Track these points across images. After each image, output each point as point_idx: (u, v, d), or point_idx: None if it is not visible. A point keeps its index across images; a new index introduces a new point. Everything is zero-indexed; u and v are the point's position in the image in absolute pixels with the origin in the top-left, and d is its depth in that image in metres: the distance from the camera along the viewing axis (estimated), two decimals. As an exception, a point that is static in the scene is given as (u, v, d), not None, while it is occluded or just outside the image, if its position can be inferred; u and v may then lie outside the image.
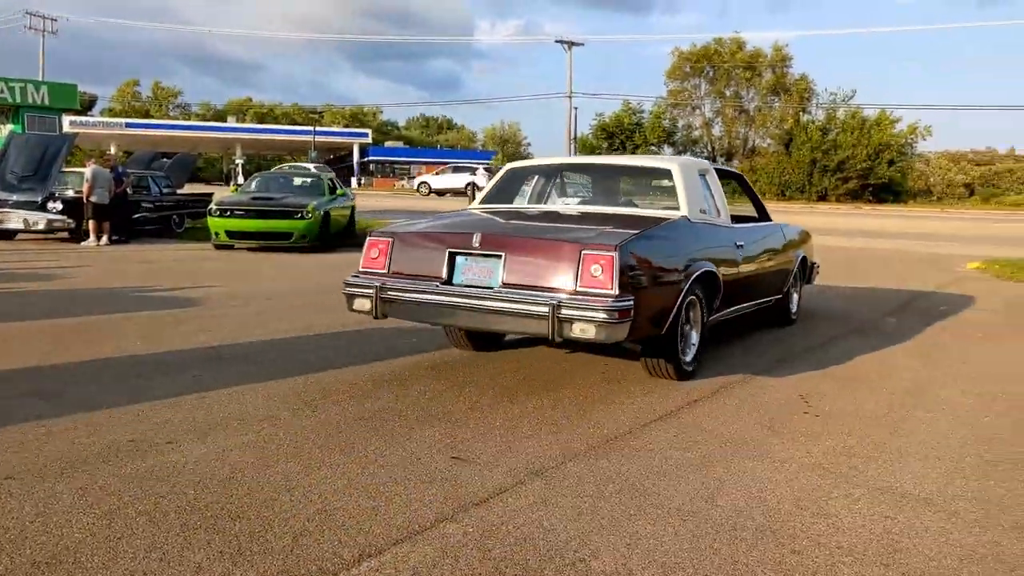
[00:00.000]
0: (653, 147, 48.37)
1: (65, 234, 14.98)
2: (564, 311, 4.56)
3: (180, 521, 3.10)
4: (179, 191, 18.83)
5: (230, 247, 14.10)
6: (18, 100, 19.46)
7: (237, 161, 46.74)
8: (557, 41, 52.69)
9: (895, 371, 6.06)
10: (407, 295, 5.08)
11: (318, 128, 53.54)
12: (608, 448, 4.11)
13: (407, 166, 65.07)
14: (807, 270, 8.15)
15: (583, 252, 4.71)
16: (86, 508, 3.18)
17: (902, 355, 6.65)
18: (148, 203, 16.82)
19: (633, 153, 46.94)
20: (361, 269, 5.39)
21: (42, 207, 14.76)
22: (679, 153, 52.11)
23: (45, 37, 50.41)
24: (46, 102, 20.10)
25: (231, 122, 64.66)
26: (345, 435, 4.17)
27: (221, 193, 20.30)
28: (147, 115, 69.76)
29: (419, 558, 2.87)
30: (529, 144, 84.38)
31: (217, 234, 13.90)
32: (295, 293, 9.16)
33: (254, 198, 14.46)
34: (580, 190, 7.08)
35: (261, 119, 72.99)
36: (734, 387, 5.42)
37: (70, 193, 15.25)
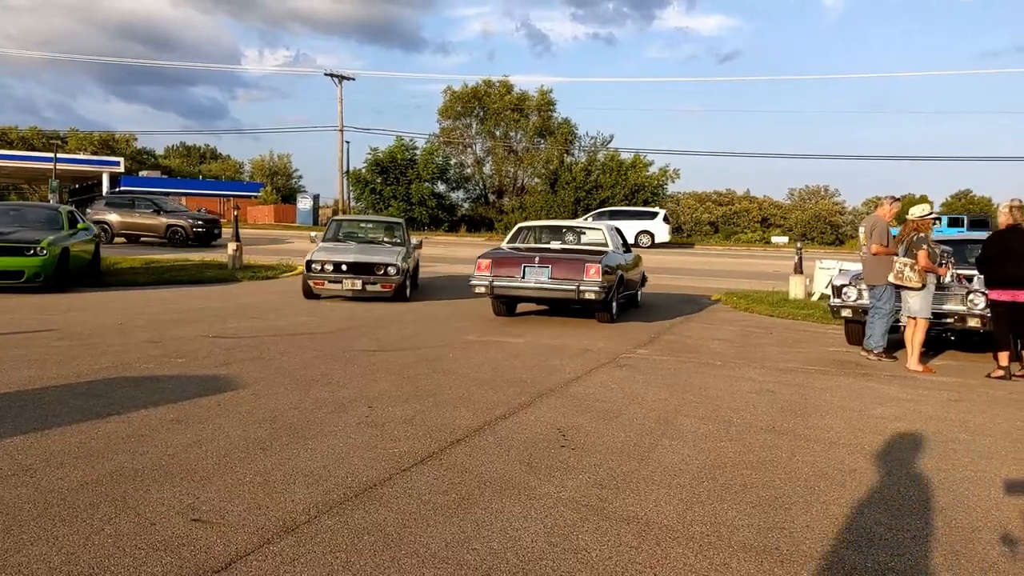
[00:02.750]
0: (427, 183, 48.75)
1: None
2: (580, 288, 10.32)
3: None
4: None
5: (-55, 288, 12.35)
6: None
7: None
8: (327, 75, 52.07)
9: (645, 402, 6.44)
10: (503, 283, 10.69)
11: (61, 155, 48.69)
12: (367, 497, 3.98)
13: (165, 197, 60.98)
14: (644, 279, 14.12)
15: (585, 264, 10.53)
16: None
17: (652, 386, 7.10)
18: None
19: (407, 187, 47.27)
20: (477, 273, 10.82)
21: None
22: (452, 189, 53.17)
23: None
24: None
25: (-48, 145, 57.31)
26: (68, 503, 3.71)
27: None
28: None
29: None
30: (300, 177, 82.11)
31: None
32: (22, 341, 8.10)
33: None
34: (554, 239, 12.56)
35: (-10, 144, 65.34)
36: (496, 424, 5.49)
37: None
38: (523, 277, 10.60)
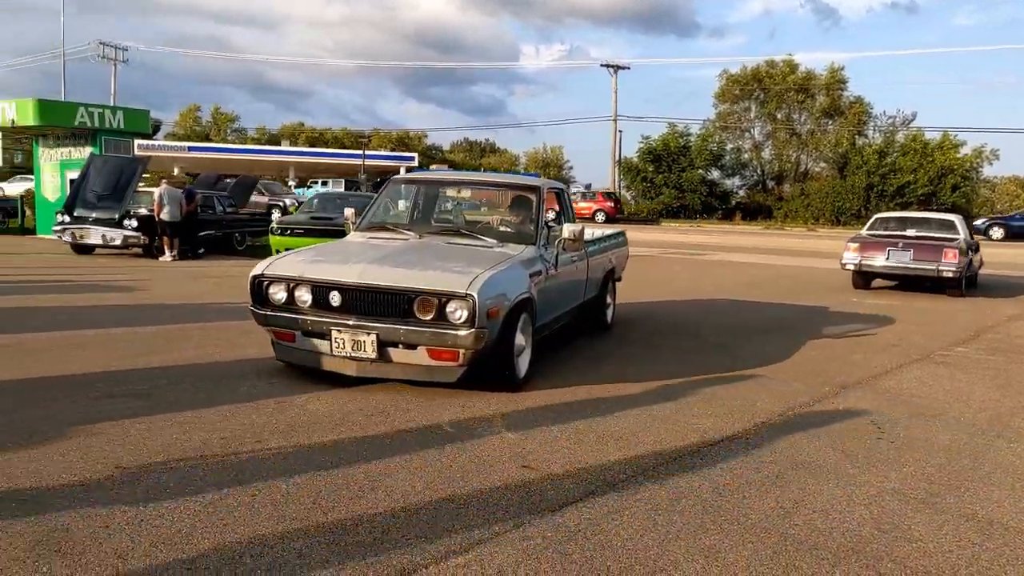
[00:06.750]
0: (700, 170, 47.48)
1: (139, 249, 15.57)
2: (939, 268, 12.34)
3: (267, 515, 3.18)
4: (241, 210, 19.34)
5: (290, 264, 14.36)
6: (96, 124, 19.97)
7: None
8: (603, 65, 52.82)
9: (971, 401, 5.90)
10: (869, 262, 12.86)
11: (367, 152, 54.20)
12: (677, 465, 4.10)
13: (452, 188, 65.54)
14: (982, 263, 15.37)
15: (944, 248, 12.39)
16: (189, 496, 3.41)
17: (978, 385, 6.47)
18: (213, 221, 17.32)
19: (679, 175, 46.42)
20: (847, 254, 13.08)
21: (119, 224, 15.35)
22: (727, 176, 51.17)
23: (117, 66, 52.95)
24: (121, 126, 20.52)
25: (285, 146, 66.04)
26: (408, 443, 4.25)
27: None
28: (207, 139, 71.43)
29: (504, 558, 2.96)
30: (572, 168, 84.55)
31: (278, 251, 14.16)
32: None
33: (312, 217, 14.72)
34: (908, 227, 13.85)
35: (312, 143, 74.21)
36: (801, 411, 5.34)
37: (143, 211, 15.72)
38: (887, 258, 12.70)
